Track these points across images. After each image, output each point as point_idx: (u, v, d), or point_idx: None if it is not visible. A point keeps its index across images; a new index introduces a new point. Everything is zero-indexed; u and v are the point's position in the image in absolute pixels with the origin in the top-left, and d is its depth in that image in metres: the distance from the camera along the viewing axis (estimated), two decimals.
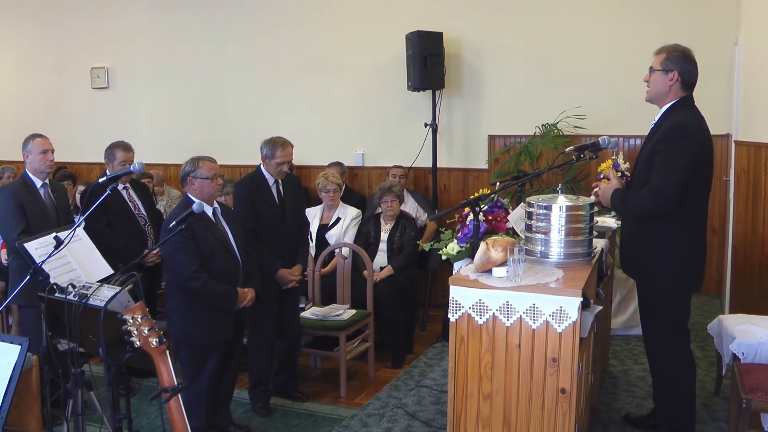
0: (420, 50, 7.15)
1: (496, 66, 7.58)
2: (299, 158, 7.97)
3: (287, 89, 8.43)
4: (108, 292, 2.89)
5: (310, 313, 5.82)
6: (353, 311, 5.86)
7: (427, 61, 7.19)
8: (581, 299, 3.13)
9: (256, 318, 5.06)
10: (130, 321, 2.29)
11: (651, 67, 4.05)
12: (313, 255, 6.41)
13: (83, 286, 3.00)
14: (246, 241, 4.80)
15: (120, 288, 2.86)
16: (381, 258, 6.48)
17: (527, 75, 7.45)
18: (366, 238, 6.56)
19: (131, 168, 3.92)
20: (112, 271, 4.34)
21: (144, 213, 5.74)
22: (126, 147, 5.68)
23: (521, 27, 7.44)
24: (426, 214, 7.32)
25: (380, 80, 7.99)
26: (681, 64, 3.94)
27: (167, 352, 2.38)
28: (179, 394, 4.68)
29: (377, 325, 6.19)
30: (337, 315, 5.72)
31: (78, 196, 6.94)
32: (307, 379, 5.89)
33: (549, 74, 7.36)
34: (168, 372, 2.36)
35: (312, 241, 6.61)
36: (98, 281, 4.02)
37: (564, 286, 3.21)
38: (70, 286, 3.00)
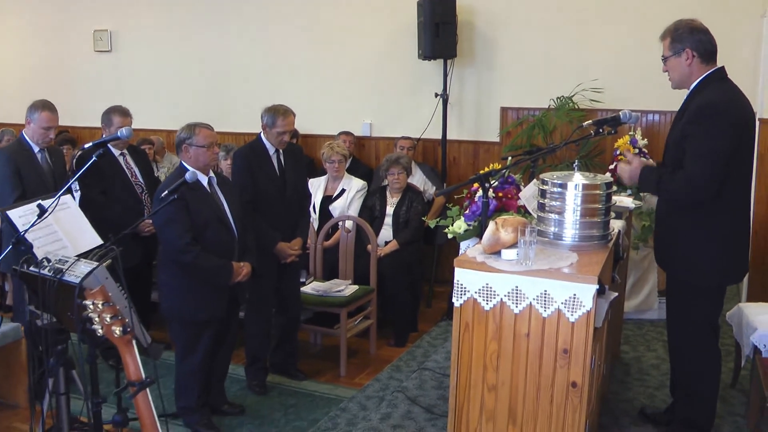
0: (432, 17, 6.85)
1: (510, 35, 7.27)
2: (305, 127, 7.75)
3: (294, 56, 8.16)
4: (85, 267, 2.67)
5: (311, 288, 5.60)
6: (356, 287, 5.65)
7: (439, 28, 6.89)
8: (597, 287, 2.89)
9: (254, 293, 4.86)
10: (91, 307, 2.06)
11: (663, 56, 3.79)
12: (316, 227, 6.19)
13: (59, 260, 2.78)
14: (243, 212, 4.58)
15: (97, 263, 2.64)
16: (386, 232, 6.25)
17: (542, 45, 7.14)
18: (371, 211, 6.33)
19: (118, 134, 3.69)
20: (100, 242, 4.14)
21: (141, 180, 5.53)
22: (123, 112, 5.46)
23: None
24: (434, 188, 7.08)
25: (390, 48, 7.70)
26: (689, 38, 3.67)
27: (133, 342, 2.15)
28: (176, 373, 4.56)
29: (380, 302, 5.97)
30: (339, 291, 5.50)
31: (74, 162, 6.73)
32: (306, 356, 5.69)
33: (565, 45, 7.05)
34: (135, 364, 2.14)
35: (315, 212, 6.39)
36: (83, 253, 3.84)
37: (578, 271, 2.98)
38: (44, 260, 2.78)
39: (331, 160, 6.42)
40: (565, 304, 2.93)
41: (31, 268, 2.78)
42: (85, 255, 3.46)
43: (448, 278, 7.27)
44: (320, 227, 6.15)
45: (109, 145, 5.02)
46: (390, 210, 6.27)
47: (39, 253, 3.77)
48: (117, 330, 2.07)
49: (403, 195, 6.29)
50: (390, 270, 5.95)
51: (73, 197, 5.34)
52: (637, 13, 6.73)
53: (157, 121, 8.63)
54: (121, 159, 5.43)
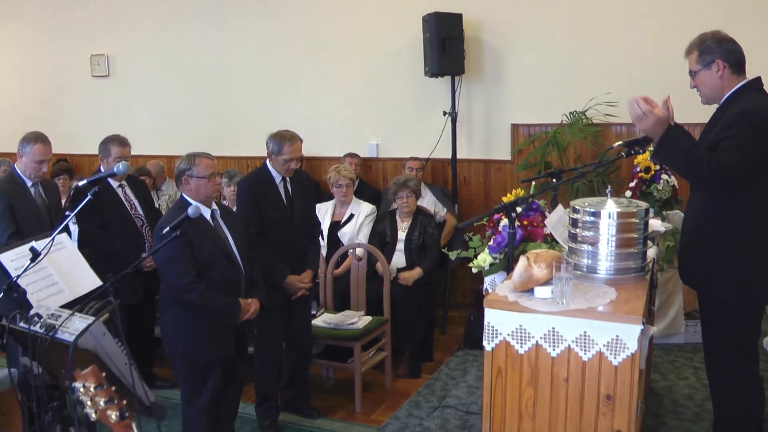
0: (438, 33, 6.65)
1: (519, 50, 7.04)
2: (309, 149, 7.50)
3: (296, 76, 7.95)
4: (80, 323, 2.41)
5: (322, 320, 5.35)
6: (368, 318, 5.38)
7: (446, 44, 6.68)
8: (641, 327, 2.64)
9: (263, 328, 4.64)
10: (81, 390, 1.81)
11: (690, 71, 3.57)
12: (325, 255, 5.93)
13: (51, 314, 2.52)
14: (249, 245, 4.33)
15: (93, 319, 2.39)
16: (398, 258, 5.97)
17: (553, 59, 6.91)
18: (381, 237, 6.06)
19: (114, 170, 3.45)
20: (99, 283, 3.90)
21: (141, 213, 5.31)
22: (122, 142, 5.24)
23: (546, 7, 6.89)
24: (445, 209, 6.85)
25: (395, 66, 7.48)
26: (718, 49, 3.46)
27: (133, 425, 1.89)
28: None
29: (394, 328, 5.70)
30: (351, 323, 5.24)
31: (71, 193, 6.51)
32: (319, 391, 5.45)
33: (576, 58, 6.81)
34: None
35: (323, 239, 6.14)
36: (80, 297, 3.60)
37: (620, 310, 2.73)
38: (35, 316, 2.53)
39: (338, 184, 6.18)
40: (607, 346, 2.68)
41: (21, 324, 2.53)
42: (82, 300, 3.23)
43: (462, 302, 7.14)
44: (329, 255, 5.89)
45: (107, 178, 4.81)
46: (402, 235, 6.00)
47: (33, 299, 3.53)
48: (113, 415, 1.81)
49: (414, 219, 6.03)
50: (403, 296, 5.70)
51: (70, 233, 5.13)
52: (651, 23, 6.50)
53: (156, 146, 8.45)
54: (119, 191, 5.21)
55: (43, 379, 2.77)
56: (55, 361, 2.60)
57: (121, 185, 5.23)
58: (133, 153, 5.40)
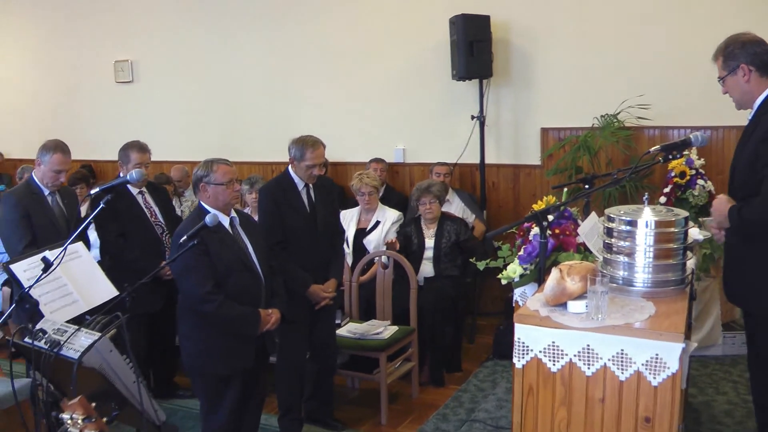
0: (465, 35, 6.50)
1: (548, 52, 6.86)
2: (334, 155, 7.40)
3: (322, 81, 7.83)
4: (85, 339, 2.29)
5: (347, 330, 5.20)
6: (395, 328, 5.22)
7: (473, 47, 6.53)
8: (683, 345, 2.46)
9: (285, 339, 4.52)
10: (69, 422, 1.67)
11: (719, 78, 3.45)
12: (350, 263, 5.79)
13: (57, 329, 2.40)
14: (270, 254, 4.20)
15: (99, 335, 2.26)
16: (426, 267, 5.81)
17: (583, 61, 6.72)
18: (406, 238, 5.90)
19: (128, 177, 3.34)
20: (115, 293, 3.80)
21: (161, 220, 5.19)
22: (141, 148, 5.13)
23: (575, 8, 6.71)
24: (473, 216, 6.68)
25: (422, 69, 7.32)
26: (741, 53, 3.33)
27: None
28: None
29: (420, 336, 5.51)
30: (377, 333, 5.09)
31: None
32: (343, 402, 5.31)
33: (607, 59, 6.61)
34: None
35: (348, 247, 6.00)
36: (93, 308, 3.50)
37: (660, 326, 2.55)
38: (40, 331, 2.41)
39: (360, 192, 6.03)
40: (646, 365, 2.50)
41: (26, 340, 2.41)
42: (97, 311, 3.12)
43: (491, 310, 6.96)
44: (355, 263, 5.75)
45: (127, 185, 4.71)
46: (429, 243, 5.83)
47: (46, 310, 3.44)
48: None
49: (439, 225, 5.86)
50: (431, 305, 5.53)
51: (88, 242, 5.03)
52: (685, 22, 6.29)
53: (180, 152, 8.37)
54: (139, 198, 5.10)
55: (51, 394, 2.67)
56: (61, 377, 2.49)
57: (141, 192, 5.12)
58: (157, 159, 5.30)
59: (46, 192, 4.79)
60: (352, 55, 7.65)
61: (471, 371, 5.71)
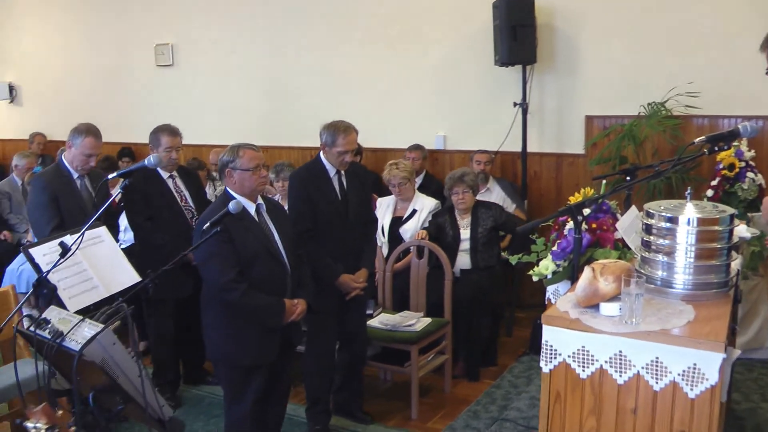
0: (508, 20, 6.31)
1: (594, 37, 6.64)
2: (374, 141, 7.28)
3: (361, 66, 7.71)
4: (88, 331, 2.19)
5: (379, 321, 5.07)
6: (428, 320, 5.08)
7: (517, 32, 6.33)
8: (724, 356, 2.28)
9: (314, 329, 4.43)
10: (33, 430, 1.57)
11: (767, 70, 3.35)
12: (385, 253, 5.65)
13: (61, 319, 2.31)
14: (298, 242, 4.08)
15: (101, 327, 2.16)
16: (463, 259, 5.62)
17: (630, 47, 6.48)
18: (440, 229, 5.70)
19: (145, 162, 3.24)
20: (137, 280, 3.72)
21: (192, 205, 5.10)
22: (172, 131, 5.05)
23: None
24: (514, 205, 6.51)
25: (463, 54, 7.15)
26: None
27: None
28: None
29: (455, 329, 5.36)
30: (409, 325, 4.95)
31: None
32: (373, 395, 5.20)
33: (655, 46, 6.37)
34: None
35: (384, 236, 5.86)
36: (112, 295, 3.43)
37: (699, 334, 2.37)
38: (43, 321, 2.32)
39: (391, 183, 5.87)
40: (682, 375, 2.33)
41: (30, 329, 2.32)
42: (118, 297, 3.04)
43: (530, 302, 6.77)
44: (390, 252, 5.61)
45: (157, 168, 4.62)
46: (465, 234, 5.64)
47: (65, 295, 3.37)
48: None
49: (473, 215, 5.68)
50: (467, 298, 5.37)
51: (117, 227, 4.97)
52: (738, 7, 6.01)
53: (218, 136, 8.25)
54: (169, 182, 5.02)
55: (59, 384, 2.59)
56: (66, 368, 2.40)
57: (171, 176, 5.04)
58: (195, 142, 5.19)
59: (75, 175, 4.74)
60: (393, 40, 7.50)
61: (507, 365, 5.57)
